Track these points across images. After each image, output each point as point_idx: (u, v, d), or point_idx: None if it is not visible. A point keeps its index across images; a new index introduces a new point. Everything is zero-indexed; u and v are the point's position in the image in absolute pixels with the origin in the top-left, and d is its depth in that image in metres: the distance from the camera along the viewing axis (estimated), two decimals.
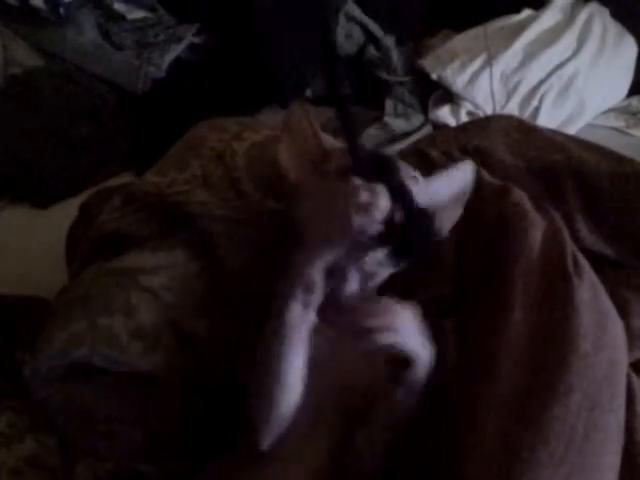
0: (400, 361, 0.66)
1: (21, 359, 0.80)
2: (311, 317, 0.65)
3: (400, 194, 0.65)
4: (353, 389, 0.69)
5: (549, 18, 1.75)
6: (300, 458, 0.68)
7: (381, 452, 0.68)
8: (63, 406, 0.77)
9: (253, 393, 0.69)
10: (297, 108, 0.80)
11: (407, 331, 0.63)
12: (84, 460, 0.78)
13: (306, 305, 0.65)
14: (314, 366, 0.67)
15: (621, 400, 0.67)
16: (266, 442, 0.66)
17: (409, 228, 0.65)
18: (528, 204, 0.80)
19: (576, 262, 0.73)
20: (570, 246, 0.75)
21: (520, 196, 0.82)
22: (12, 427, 0.79)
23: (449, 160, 0.93)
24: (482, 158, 0.95)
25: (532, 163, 0.96)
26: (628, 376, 0.72)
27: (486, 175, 0.88)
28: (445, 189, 0.75)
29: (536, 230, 0.76)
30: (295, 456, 0.67)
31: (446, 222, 0.76)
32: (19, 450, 0.77)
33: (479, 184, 0.84)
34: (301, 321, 0.65)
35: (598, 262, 0.83)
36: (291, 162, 0.76)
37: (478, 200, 0.84)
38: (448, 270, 0.82)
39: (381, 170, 0.66)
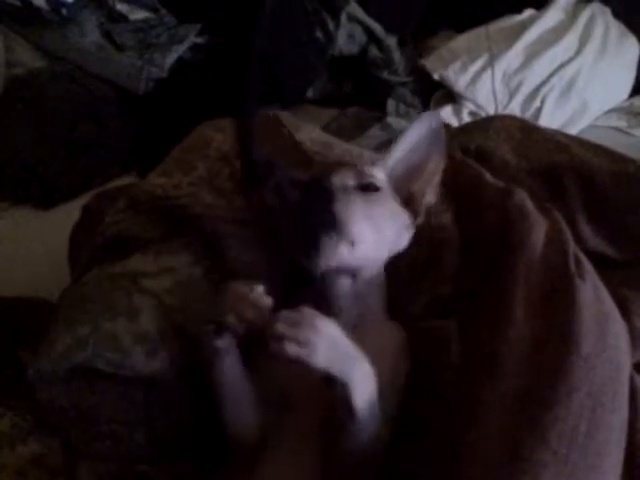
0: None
1: (24, 360, 0.80)
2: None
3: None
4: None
5: (551, 18, 1.75)
6: (284, 470, 0.67)
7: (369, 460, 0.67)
8: (66, 408, 0.76)
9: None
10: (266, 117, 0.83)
11: (317, 347, 0.57)
12: (87, 461, 0.77)
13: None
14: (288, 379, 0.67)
15: (624, 400, 0.67)
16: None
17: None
18: (530, 205, 0.80)
19: (578, 263, 0.73)
20: (572, 247, 0.75)
21: (522, 197, 0.82)
22: (15, 428, 0.79)
23: (451, 161, 0.92)
24: (484, 159, 0.95)
25: (534, 163, 0.96)
26: (631, 377, 0.71)
27: (488, 176, 0.88)
28: (409, 151, 0.78)
29: (538, 231, 0.76)
30: (281, 467, 0.67)
31: (432, 178, 0.79)
32: (22, 451, 0.77)
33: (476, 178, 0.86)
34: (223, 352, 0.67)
35: (600, 262, 0.83)
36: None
37: (480, 201, 0.84)
38: (450, 270, 0.82)
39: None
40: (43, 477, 0.77)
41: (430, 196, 0.79)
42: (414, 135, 0.78)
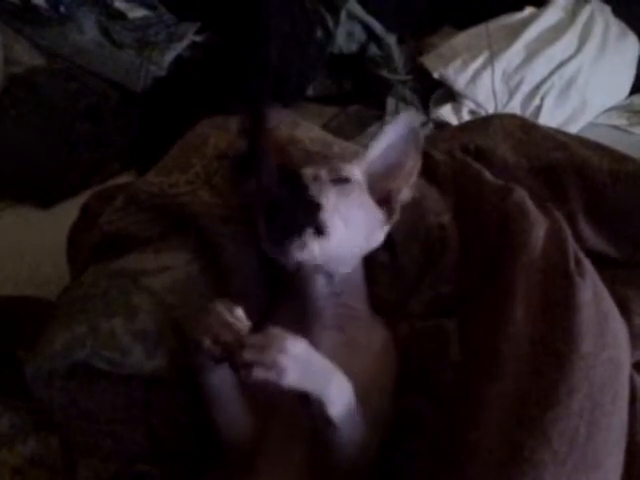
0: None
1: (23, 359, 0.80)
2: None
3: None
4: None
5: (551, 16, 1.75)
6: (276, 471, 0.68)
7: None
8: (65, 406, 0.77)
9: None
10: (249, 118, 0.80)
11: (285, 367, 0.58)
12: (86, 460, 0.77)
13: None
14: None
15: (624, 400, 0.67)
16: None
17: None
18: (530, 203, 0.80)
19: (578, 261, 0.73)
20: (572, 245, 0.75)
21: (522, 195, 0.81)
22: (14, 427, 0.79)
23: (451, 160, 0.92)
24: (484, 157, 0.94)
25: (534, 162, 0.95)
26: (631, 377, 0.71)
27: (488, 174, 0.88)
28: (385, 149, 0.79)
29: (538, 229, 0.76)
30: (274, 469, 0.68)
31: (408, 177, 0.79)
32: (21, 450, 0.77)
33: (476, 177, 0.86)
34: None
35: (600, 261, 0.83)
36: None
37: (480, 199, 0.84)
38: (450, 269, 0.82)
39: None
40: (42, 476, 0.77)
41: (406, 194, 0.79)
42: (391, 135, 0.79)
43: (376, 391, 0.70)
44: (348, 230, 0.71)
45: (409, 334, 0.77)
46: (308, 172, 0.74)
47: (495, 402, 0.65)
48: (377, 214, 0.77)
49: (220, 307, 0.65)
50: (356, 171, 0.77)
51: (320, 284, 0.74)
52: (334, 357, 0.65)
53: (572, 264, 0.71)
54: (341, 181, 0.74)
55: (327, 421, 0.62)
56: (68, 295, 0.81)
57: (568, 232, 0.77)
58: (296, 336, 0.61)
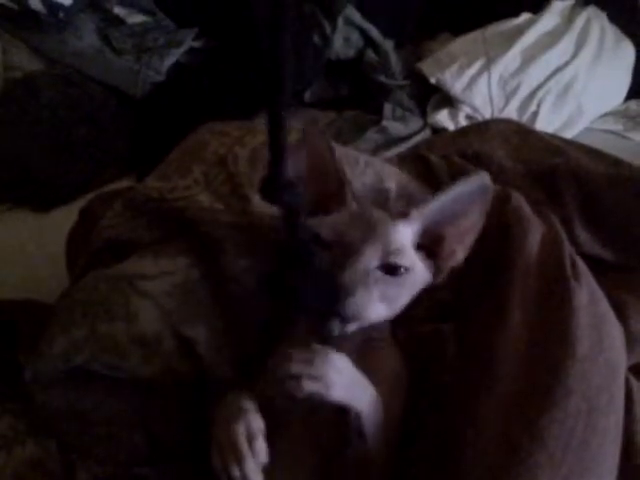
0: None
1: (23, 363, 0.80)
2: None
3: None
4: (326, 423, 0.68)
5: (547, 22, 1.76)
6: None
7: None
8: (63, 410, 0.77)
9: None
10: (313, 128, 0.78)
11: (333, 381, 0.60)
12: (84, 463, 0.78)
13: None
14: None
15: (619, 403, 0.68)
16: None
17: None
18: (527, 208, 0.81)
19: (574, 266, 0.73)
20: (568, 250, 0.76)
21: (519, 200, 0.82)
22: (13, 430, 0.79)
23: (448, 165, 0.93)
24: (481, 162, 0.95)
25: (531, 167, 0.96)
26: (627, 379, 0.72)
27: None
28: (451, 203, 0.72)
29: (535, 234, 0.76)
30: None
31: (465, 237, 0.74)
32: (20, 453, 0.77)
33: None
34: None
35: (597, 265, 0.83)
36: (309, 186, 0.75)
37: None
38: (449, 274, 0.82)
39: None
40: (40, 479, 0.77)
41: (460, 256, 0.75)
42: (461, 189, 0.72)
43: (391, 413, 0.70)
44: (390, 312, 0.71)
45: (408, 338, 0.77)
46: (360, 267, 0.68)
47: (492, 404, 0.66)
48: (424, 278, 0.74)
49: (240, 432, 0.62)
50: (407, 233, 0.73)
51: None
52: None
53: (568, 268, 0.72)
54: (393, 271, 0.70)
55: (361, 433, 0.64)
56: (67, 299, 0.81)
57: (564, 236, 0.77)
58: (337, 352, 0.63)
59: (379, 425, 0.65)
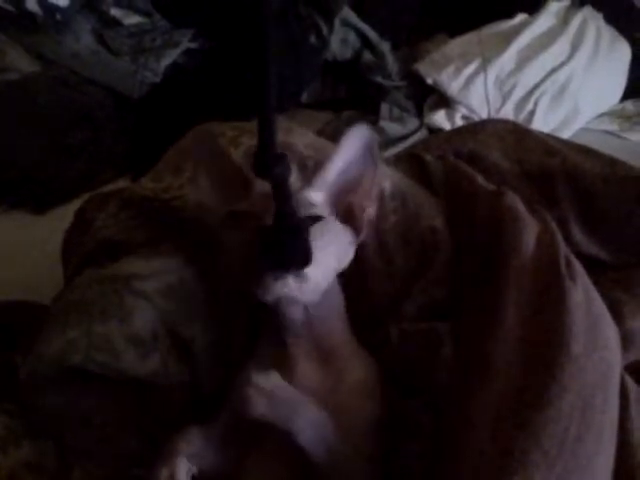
0: None
1: (19, 363, 0.80)
2: None
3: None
4: None
5: (543, 23, 1.76)
6: None
7: None
8: (59, 411, 0.77)
9: None
10: (204, 136, 0.79)
11: (249, 398, 0.63)
12: (81, 465, 0.77)
13: None
14: None
15: (614, 401, 0.68)
16: None
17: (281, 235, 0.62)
18: (521, 207, 0.81)
19: (569, 265, 0.73)
20: (563, 249, 0.76)
21: (514, 199, 0.82)
22: (9, 431, 0.79)
23: (443, 164, 0.93)
24: (477, 162, 0.95)
25: (526, 167, 0.96)
26: (622, 378, 0.72)
27: (480, 179, 0.88)
28: (344, 163, 0.73)
29: (529, 233, 0.76)
30: None
31: (369, 191, 0.74)
32: (16, 454, 0.77)
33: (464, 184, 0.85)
34: None
35: (593, 265, 0.83)
36: (209, 194, 0.76)
37: (472, 204, 0.84)
38: (442, 273, 0.82)
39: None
40: None
41: (371, 210, 0.74)
42: (347, 149, 0.72)
43: (361, 420, 0.70)
44: (324, 270, 0.68)
45: (401, 337, 0.77)
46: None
47: (487, 403, 0.66)
48: (346, 236, 0.73)
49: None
50: (318, 195, 0.72)
51: (295, 311, 0.71)
52: (316, 390, 0.68)
53: (563, 267, 0.72)
54: (315, 219, 0.69)
55: (300, 448, 0.65)
56: (62, 300, 0.81)
57: (559, 235, 0.77)
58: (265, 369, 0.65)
59: (330, 440, 0.66)
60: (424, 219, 0.85)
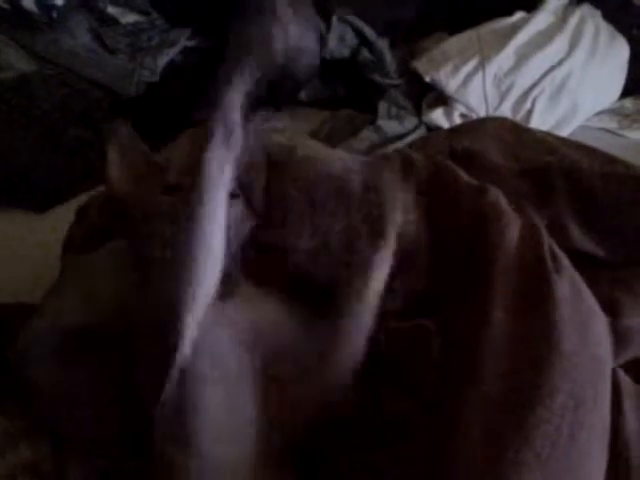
0: None
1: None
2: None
3: None
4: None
5: (541, 21, 1.76)
6: None
7: None
8: (49, 388, 0.76)
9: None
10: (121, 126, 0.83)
11: None
12: (76, 463, 0.77)
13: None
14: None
15: (605, 398, 0.67)
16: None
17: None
18: (504, 203, 0.80)
19: (555, 258, 0.73)
20: (548, 242, 0.75)
21: (496, 195, 0.82)
22: (5, 434, 0.79)
23: (430, 163, 0.92)
24: (474, 160, 0.95)
25: (524, 165, 0.96)
26: (615, 374, 0.72)
27: (463, 175, 0.87)
28: None
29: (512, 228, 0.76)
30: None
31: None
32: (13, 457, 0.77)
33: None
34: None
35: (591, 263, 0.83)
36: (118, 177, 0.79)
37: (454, 199, 0.84)
38: (421, 269, 0.81)
39: None
40: None
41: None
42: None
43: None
44: None
45: (387, 334, 0.76)
46: None
47: (478, 403, 0.65)
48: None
49: None
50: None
51: None
52: None
53: (549, 261, 0.72)
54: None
55: None
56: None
57: (543, 229, 0.77)
58: None
59: None
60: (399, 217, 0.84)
